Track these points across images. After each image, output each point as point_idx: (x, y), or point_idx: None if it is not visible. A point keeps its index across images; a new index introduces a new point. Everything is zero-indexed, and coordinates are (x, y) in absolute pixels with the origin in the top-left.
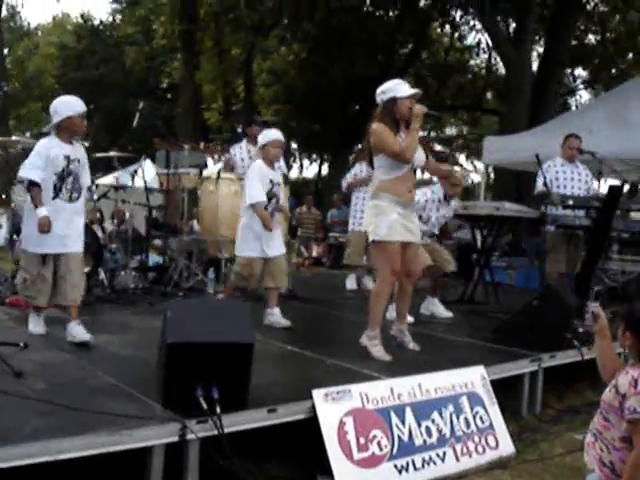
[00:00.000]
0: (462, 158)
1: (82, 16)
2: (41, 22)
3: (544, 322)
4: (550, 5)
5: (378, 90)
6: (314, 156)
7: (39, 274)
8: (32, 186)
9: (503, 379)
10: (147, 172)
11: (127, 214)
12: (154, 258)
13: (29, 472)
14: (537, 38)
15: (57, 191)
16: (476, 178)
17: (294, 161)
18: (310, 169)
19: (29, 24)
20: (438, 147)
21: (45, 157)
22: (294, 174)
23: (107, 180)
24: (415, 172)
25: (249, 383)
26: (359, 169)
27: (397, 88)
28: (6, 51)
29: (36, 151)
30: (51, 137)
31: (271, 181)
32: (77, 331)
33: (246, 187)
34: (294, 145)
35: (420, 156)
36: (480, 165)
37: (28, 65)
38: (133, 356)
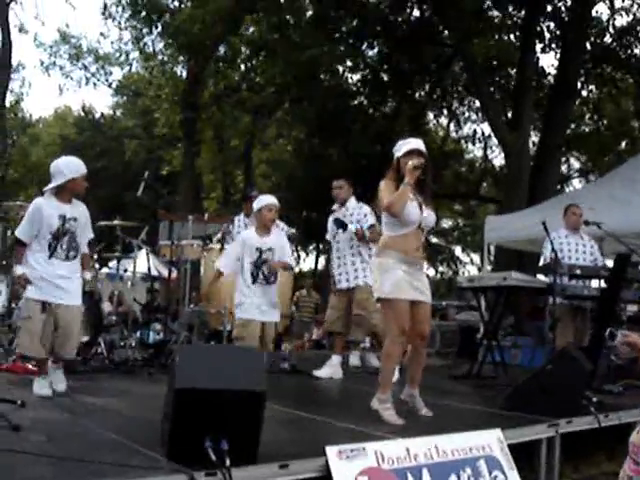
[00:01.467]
0: (458, 250)
1: (83, 109)
2: (42, 115)
3: (559, 386)
4: (547, 91)
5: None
6: (311, 247)
7: (30, 318)
8: (18, 244)
9: (517, 448)
10: (144, 261)
11: (126, 296)
12: (154, 336)
13: None
14: (534, 125)
15: (52, 250)
16: (472, 270)
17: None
18: (307, 261)
19: (31, 116)
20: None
21: (38, 218)
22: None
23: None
24: (419, 231)
25: (260, 435)
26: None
27: (399, 147)
28: (10, 141)
29: (28, 212)
30: (48, 197)
31: (258, 249)
32: (57, 377)
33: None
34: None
35: (430, 217)
36: (476, 256)
37: (31, 153)
38: (135, 416)
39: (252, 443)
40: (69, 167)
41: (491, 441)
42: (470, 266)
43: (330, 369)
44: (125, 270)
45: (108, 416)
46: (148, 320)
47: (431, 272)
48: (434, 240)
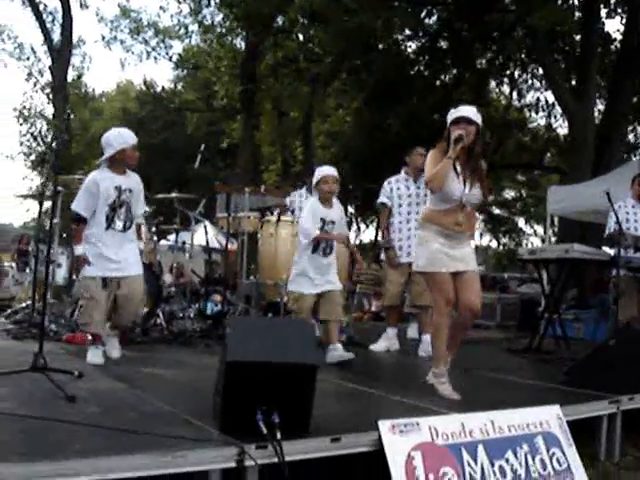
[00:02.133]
0: (521, 221)
1: (145, 83)
2: (105, 89)
3: (621, 363)
4: (613, 57)
5: None
6: (370, 219)
7: (92, 297)
8: (77, 220)
9: (578, 423)
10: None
11: (186, 268)
12: (212, 307)
13: None
14: (599, 93)
15: (110, 221)
16: (536, 242)
17: (351, 226)
18: (367, 233)
19: (94, 90)
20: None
21: (94, 190)
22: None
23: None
24: (463, 207)
25: (312, 409)
26: None
27: (450, 115)
28: (72, 116)
29: (85, 186)
30: (102, 169)
31: (322, 219)
32: (112, 344)
33: (300, 222)
34: (351, 209)
35: (475, 195)
36: (539, 228)
37: (92, 126)
38: (189, 387)
39: (304, 416)
40: (118, 139)
41: (549, 417)
42: (533, 238)
43: (386, 342)
44: (184, 242)
45: (163, 387)
46: (207, 292)
47: (493, 244)
48: (496, 211)
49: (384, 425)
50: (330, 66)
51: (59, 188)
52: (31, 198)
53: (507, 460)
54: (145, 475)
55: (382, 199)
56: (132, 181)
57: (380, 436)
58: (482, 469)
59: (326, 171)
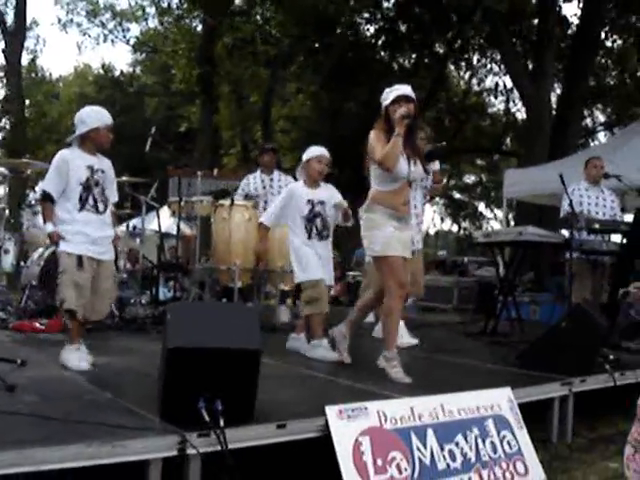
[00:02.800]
0: (482, 206)
1: (103, 67)
2: (62, 73)
3: (573, 344)
4: (569, 42)
5: None
6: None
7: (65, 271)
8: (44, 199)
9: (531, 405)
10: (163, 218)
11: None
12: (165, 293)
13: None
14: (556, 77)
15: (83, 202)
16: (496, 226)
17: None
18: None
19: (50, 74)
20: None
21: (65, 169)
22: None
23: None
24: (410, 185)
25: (256, 395)
26: None
27: (386, 95)
28: (27, 101)
29: (54, 164)
30: (72, 148)
31: (310, 201)
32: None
33: None
34: None
35: (418, 170)
36: (500, 212)
37: (49, 110)
38: (136, 375)
39: (248, 403)
40: (92, 116)
41: (500, 400)
42: (494, 222)
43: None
44: (134, 227)
45: (108, 375)
46: (158, 277)
47: (454, 228)
48: (457, 196)
49: (331, 410)
50: (287, 48)
51: (5, 172)
52: None
53: (457, 444)
54: (84, 465)
55: None
56: (104, 164)
57: (327, 421)
58: (432, 453)
59: (321, 150)
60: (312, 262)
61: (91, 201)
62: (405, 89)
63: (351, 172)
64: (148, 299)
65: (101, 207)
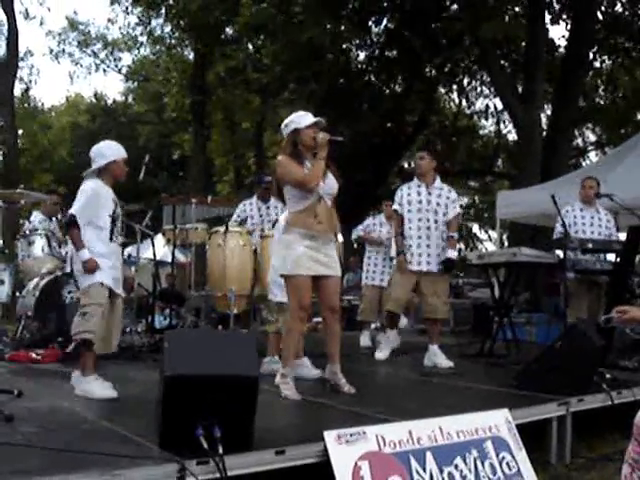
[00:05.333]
0: (475, 227)
1: (95, 95)
2: (54, 103)
3: (570, 364)
4: (558, 63)
5: (282, 124)
6: None
7: (99, 304)
8: (73, 225)
9: (528, 427)
10: (158, 246)
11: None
12: (161, 321)
13: None
14: (546, 99)
15: (111, 234)
16: (490, 247)
17: None
18: None
19: (43, 104)
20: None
21: (97, 201)
22: None
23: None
24: (321, 201)
25: (254, 421)
26: (371, 222)
27: (298, 120)
28: (20, 131)
29: (87, 193)
30: (95, 180)
31: None
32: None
33: None
34: None
35: (331, 183)
36: (494, 234)
37: (41, 140)
38: (132, 403)
39: (246, 429)
40: (112, 148)
41: (498, 421)
42: (488, 243)
43: (389, 346)
44: (129, 256)
45: (105, 404)
46: (153, 305)
47: None
48: None
49: (330, 435)
50: (278, 76)
51: None
52: None
53: (456, 466)
54: None
55: (394, 206)
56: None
57: (326, 447)
58: (431, 476)
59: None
60: None
61: (116, 233)
62: (311, 115)
63: (344, 195)
64: (144, 327)
65: (121, 239)
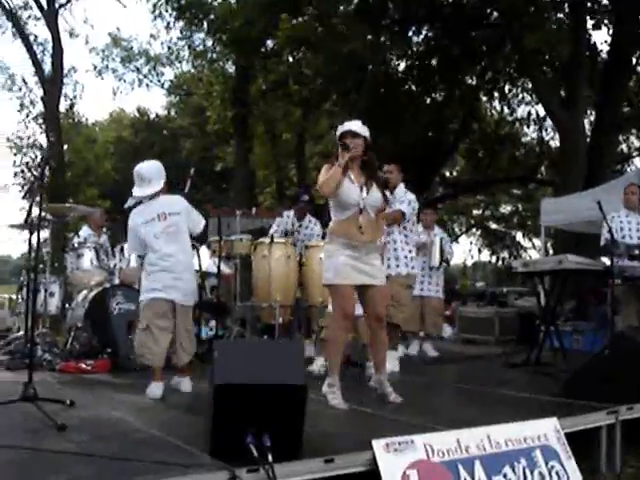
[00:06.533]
0: (519, 235)
1: (138, 110)
2: (98, 119)
3: (618, 372)
4: (600, 68)
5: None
6: None
7: (149, 325)
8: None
9: (577, 435)
10: (203, 257)
11: None
12: (207, 331)
13: None
14: (589, 104)
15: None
16: (534, 255)
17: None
18: None
19: (87, 119)
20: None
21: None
22: None
23: None
24: (362, 212)
25: (303, 430)
26: None
27: (340, 128)
28: (65, 146)
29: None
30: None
31: None
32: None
33: None
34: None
35: (376, 196)
36: (538, 242)
37: (86, 154)
38: (183, 412)
39: (295, 438)
40: (162, 170)
41: (547, 430)
42: (532, 251)
43: (394, 360)
44: None
45: (155, 414)
46: (199, 316)
47: (492, 259)
48: (493, 226)
49: (378, 444)
50: (320, 88)
51: (48, 217)
52: (20, 228)
53: (505, 475)
54: None
55: None
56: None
57: (374, 455)
58: None
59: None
60: None
61: None
62: (351, 124)
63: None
64: None
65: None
